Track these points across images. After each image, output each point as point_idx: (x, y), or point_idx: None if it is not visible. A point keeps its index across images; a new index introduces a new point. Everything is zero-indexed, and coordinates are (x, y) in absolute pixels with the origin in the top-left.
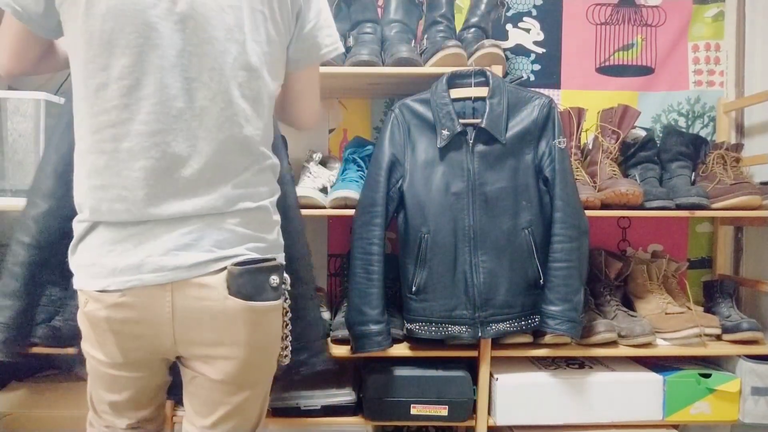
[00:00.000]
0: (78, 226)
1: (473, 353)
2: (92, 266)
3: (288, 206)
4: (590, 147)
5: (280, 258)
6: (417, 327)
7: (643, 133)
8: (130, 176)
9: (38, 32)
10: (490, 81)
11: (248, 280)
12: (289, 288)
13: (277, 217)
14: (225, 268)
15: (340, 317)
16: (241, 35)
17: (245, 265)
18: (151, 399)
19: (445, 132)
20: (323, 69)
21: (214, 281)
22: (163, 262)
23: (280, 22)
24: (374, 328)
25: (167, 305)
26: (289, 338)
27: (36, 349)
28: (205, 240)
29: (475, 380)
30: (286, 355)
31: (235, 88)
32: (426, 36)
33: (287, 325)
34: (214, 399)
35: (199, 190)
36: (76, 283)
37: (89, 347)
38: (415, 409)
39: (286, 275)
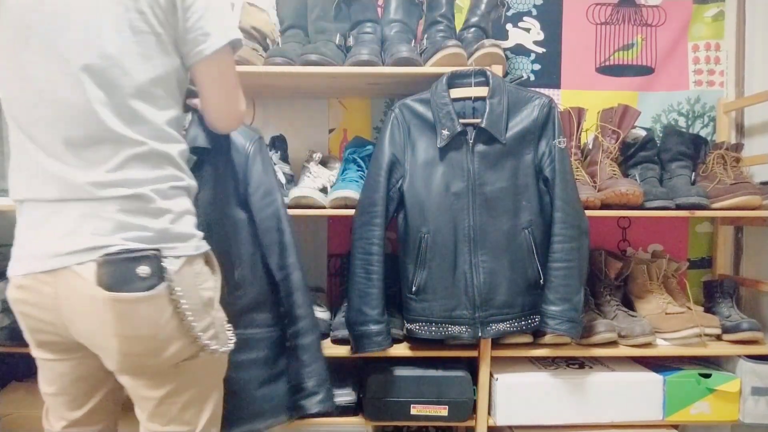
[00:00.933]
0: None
1: (473, 353)
2: (14, 251)
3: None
4: (590, 147)
5: (183, 248)
6: (417, 327)
7: (643, 133)
8: (25, 161)
9: None
10: (490, 81)
11: (112, 271)
12: (172, 277)
13: (166, 205)
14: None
15: (340, 317)
16: (97, 26)
17: (111, 255)
18: (83, 398)
19: (445, 132)
20: (324, 69)
21: (86, 271)
22: (48, 248)
23: (148, 13)
24: (374, 328)
25: (52, 292)
26: (196, 327)
27: None
28: (85, 227)
29: (475, 380)
30: (204, 345)
31: (88, 76)
32: (426, 36)
33: (185, 315)
34: (136, 393)
35: (73, 176)
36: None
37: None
38: (415, 409)
39: (168, 266)
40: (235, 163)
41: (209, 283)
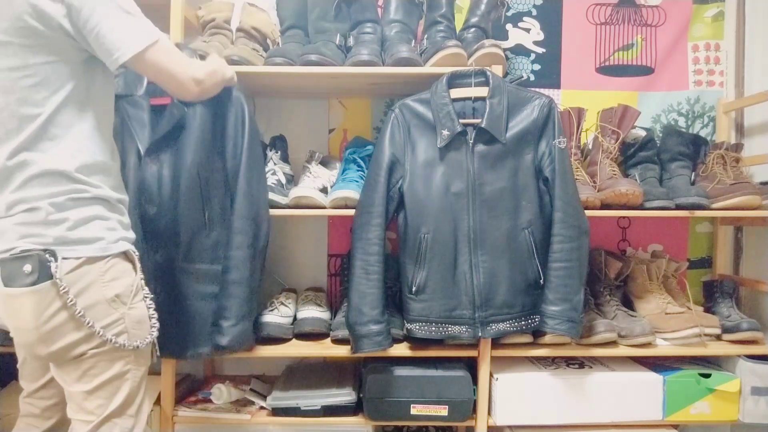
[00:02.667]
0: None
1: (473, 353)
2: None
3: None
4: (590, 147)
5: (84, 250)
6: (417, 327)
7: (643, 133)
8: None
9: None
10: (490, 81)
11: (6, 269)
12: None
13: (62, 215)
14: None
15: (340, 317)
16: None
17: (10, 255)
18: (37, 374)
19: (445, 132)
20: (324, 69)
21: None
22: None
23: (39, 44)
24: (374, 328)
25: None
26: (93, 323)
27: None
28: (2, 237)
29: (475, 380)
30: (108, 340)
31: None
32: (426, 36)
33: (76, 310)
34: (61, 380)
35: None
36: None
37: None
38: (415, 409)
39: (60, 265)
40: (216, 114)
41: (123, 281)
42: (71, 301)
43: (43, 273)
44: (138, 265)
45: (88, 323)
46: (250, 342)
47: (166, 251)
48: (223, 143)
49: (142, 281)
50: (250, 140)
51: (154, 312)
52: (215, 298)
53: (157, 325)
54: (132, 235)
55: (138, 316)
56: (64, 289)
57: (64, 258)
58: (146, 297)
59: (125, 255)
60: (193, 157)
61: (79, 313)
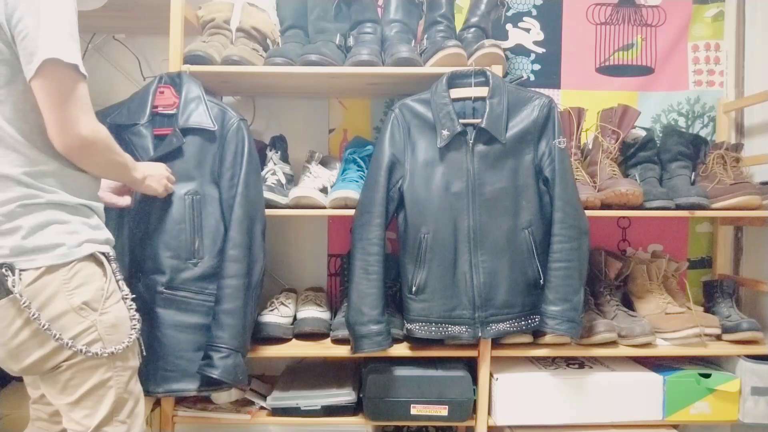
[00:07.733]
0: None
1: (473, 353)
2: None
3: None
4: (590, 147)
5: (44, 259)
6: (417, 327)
7: (643, 133)
8: None
9: None
10: (490, 81)
11: None
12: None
13: (15, 223)
14: None
15: (340, 317)
16: None
17: None
18: (36, 382)
19: (445, 132)
20: (324, 69)
21: None
22: None
23: None
24: (374, 328)
25: None
26: (61, 335)
27: None
28: None
29: (475, 380)
30: (80, 350)
31: None
32: (426, 36)
33: (42, 324)
34: (47, 393)
35: None
36: None
37: None
38: (415, 409)
39: (20, 278)
40: (215, 143)
41: (91, 286)
42: (34, 315)
43: (1, 289)
44: (111, 266)
45: (55, 336)
46: (245, 378)
47: (150, 277)
48: (221, 173)
49: (120, 282)
50: (248, 171)
51: (135, 313)
52: (197, 330)
53: (138, 326)
54: (103, 235)
55: (112, 321)
56: (24, 303)
57: (22, 270)
58: (125, 298)
59: (93, 258)
60: (187, 186)
61: (44, 326)
